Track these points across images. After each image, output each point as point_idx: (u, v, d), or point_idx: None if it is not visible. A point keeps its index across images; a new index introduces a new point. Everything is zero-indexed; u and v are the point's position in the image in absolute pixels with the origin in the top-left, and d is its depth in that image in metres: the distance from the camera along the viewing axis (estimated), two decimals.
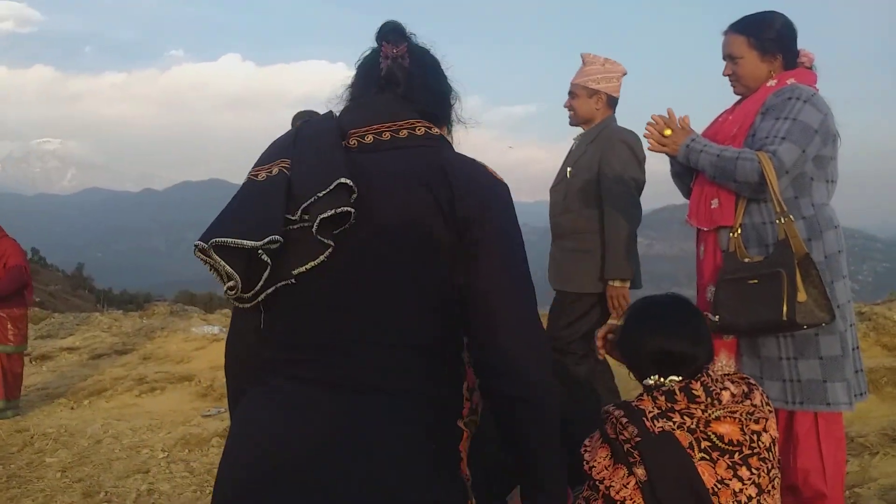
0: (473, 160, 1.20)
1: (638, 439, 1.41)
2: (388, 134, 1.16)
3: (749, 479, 1.40)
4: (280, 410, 1.09)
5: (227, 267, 1.06)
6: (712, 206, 2.20)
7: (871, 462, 2.90)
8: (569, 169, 3.05)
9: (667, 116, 2.22)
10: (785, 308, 1.92)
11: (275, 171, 1.13)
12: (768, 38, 2.20)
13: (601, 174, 2.93)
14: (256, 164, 1.17)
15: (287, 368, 1.12)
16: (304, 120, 1.28)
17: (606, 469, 1.46)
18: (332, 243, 1.07)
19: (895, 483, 2.65)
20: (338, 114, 1.25)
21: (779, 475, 1.48)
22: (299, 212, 1.07)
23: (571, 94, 3.08)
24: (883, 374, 3.92)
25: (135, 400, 5.12)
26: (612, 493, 1.43)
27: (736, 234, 2.11)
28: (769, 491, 1.43)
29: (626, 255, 2.87)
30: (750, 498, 1.40)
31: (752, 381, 1.55)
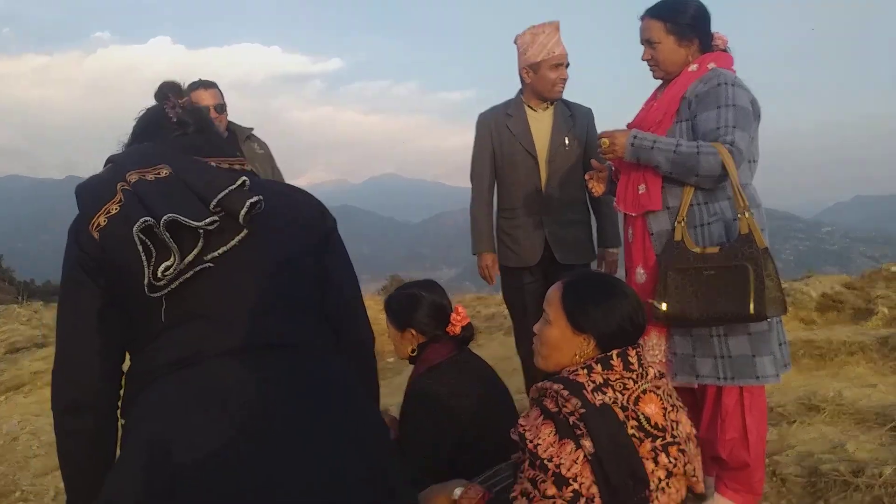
0: None
1: (582, 410, 1.40)
2: (226, 164, 1.38)
3: (664, 465, 1.42)
4: (242, 379, 1.16)
5: (173, 242, 1.17)
6: (640, 192, 2.22)
7: (789, 430, 3.02)
8: (566, 139, 3.08)
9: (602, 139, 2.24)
10: (752, 303, 1.94)
11: (163, 172, 1.27)
12: (684, 22, 2.22)
13: (588, 146, 3.11)
14: (127, 169, 1.27)
15: (213, 348, 1.19)
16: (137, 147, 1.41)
17: (552, 446, 1.41)
18: (247, 228, 1.24)
19: (811, 449, 2.77)
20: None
21: (695, 470, 1.50)
22: (213, 203, 1.21)
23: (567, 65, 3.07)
24: (800, 346, 4.08)
25: None
26: (563, 471, 1.38)
27: (682, 224, 2.12)
28: (677, 476, 1.45)
29: (617, 223, 3.16)
30: (659, 480, 1.41)
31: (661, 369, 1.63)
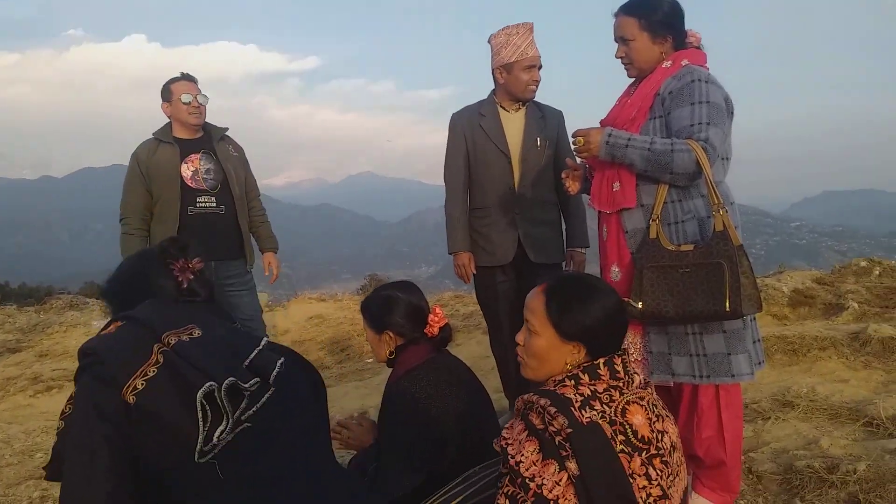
0: None
1: (569, 430, 1.34)
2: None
3: (655, 478, 1.39)
4: None
5: (229, 406, 1.22)
6: (614, 190, 2.22)
7: (763, 427, 3.04)
8: (538, 139, 3.11)
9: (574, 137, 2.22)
10: (728, 300, 1.94)
11: (196, 333, 1.31)
12: (657, 19, 2.22)
13: (559, 148, 3.18)
14: (162, 330, 1.28)
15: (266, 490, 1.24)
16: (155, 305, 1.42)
17: (535, 465, 1.35)
18: (273, 387, 1.32)
19: (786, 446, 2.80)
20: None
21: (683, 483, 1.47)
22: (244, 365, 1.29)
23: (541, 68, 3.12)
24: (773, 342, 4.12)
25: (29, 401, 4.79)
26: (545, 492, 1.33)
27: (657, 221, 2.12)
28: (671, 497, 1.41)
29: (585, 224, 3.27)
30: (656, 498, 1.37)
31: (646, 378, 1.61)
